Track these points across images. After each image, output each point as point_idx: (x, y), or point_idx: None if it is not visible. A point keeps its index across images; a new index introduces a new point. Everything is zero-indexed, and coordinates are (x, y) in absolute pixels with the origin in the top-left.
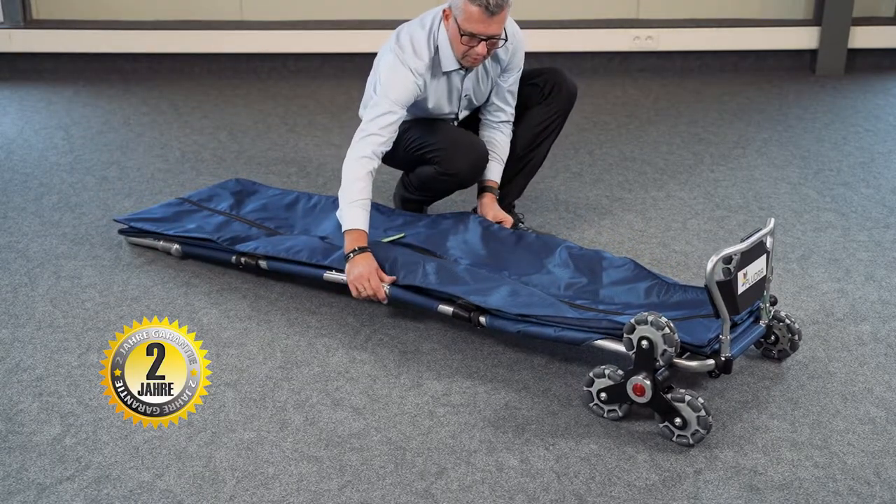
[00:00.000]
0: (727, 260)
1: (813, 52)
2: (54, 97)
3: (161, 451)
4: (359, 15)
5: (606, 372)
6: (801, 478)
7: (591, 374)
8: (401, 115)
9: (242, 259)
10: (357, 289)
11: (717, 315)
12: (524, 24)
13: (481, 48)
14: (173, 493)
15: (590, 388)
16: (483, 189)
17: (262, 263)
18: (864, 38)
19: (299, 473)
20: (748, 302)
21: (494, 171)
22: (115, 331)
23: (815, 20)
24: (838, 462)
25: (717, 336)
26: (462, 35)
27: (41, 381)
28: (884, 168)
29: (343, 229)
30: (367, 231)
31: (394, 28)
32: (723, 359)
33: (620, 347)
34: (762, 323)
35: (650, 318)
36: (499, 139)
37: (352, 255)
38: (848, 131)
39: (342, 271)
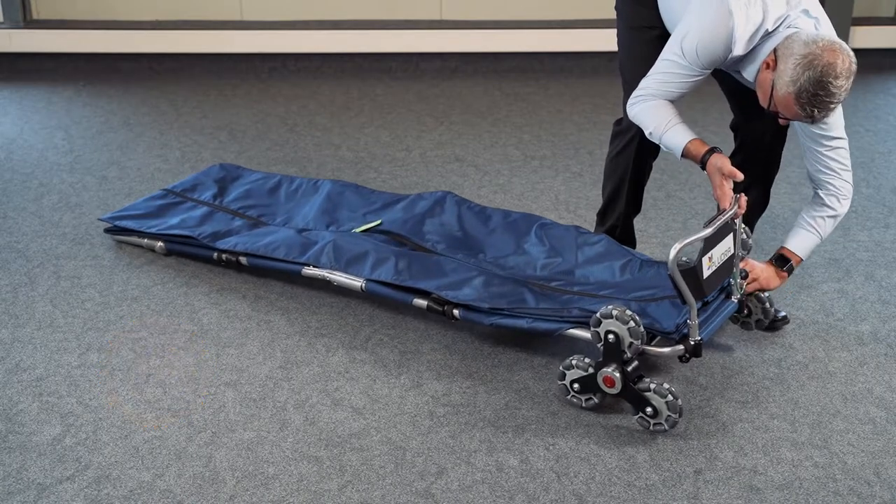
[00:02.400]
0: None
1: None
2: (54, 97)
3: (161, 451)
4: (359, 15)
5: (574, 362)
6: (801, 478)
7: (561, 368)
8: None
9: (224, 256)
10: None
11: (684, 301)
12: (526, 25)
13: (783, 119)
14: (173, 493)
15: (563, 382)
16: (779, 258)
17: (243, 260)
18: (864, 38)
19: (299, 473)
20: (715, 283)
21: (804, 243)
22: (115, 331)
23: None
24: (838, 462)
25: (686, 321)
26: (769, 104)
27: (41, 381)
28: (884, 168)
29: (681, 151)
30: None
31: (392, 28)
32: (692, 343)
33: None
34: (734, 298)
35: (615, 313)
36: (826, 206)
37: (707, 156)
38: (848, 131)
39: (319, 266)
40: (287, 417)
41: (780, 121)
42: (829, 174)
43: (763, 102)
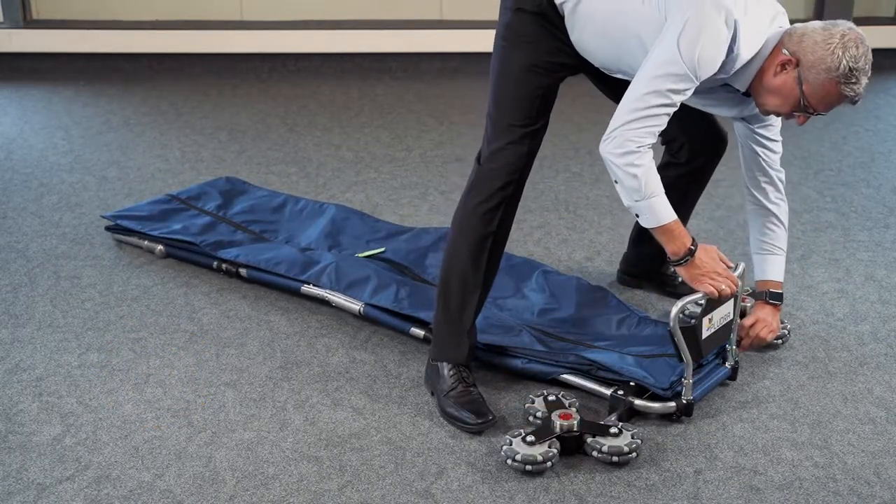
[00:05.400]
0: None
1: None
2: (54, 97)
3: (161, 451)
4: (359, 15)
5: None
6: (801, 478)
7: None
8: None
9: (224, 265)
10: (718, 289)
11: (681, 359)
12: None
13: (803, 118)
14: (173, 493)
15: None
16: (762, 295)
17: (243, 271)
18: None
19: (299, 473)
20: (712, 346)
21: (778, 267)
22: (115, 331)
23: (816, 20)
24: (838, 462)
25: (680, 378)
26: (802, 103)
27: (41, 381)
28: (884, 168)
29: (655, 226)
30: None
31: (392, 28)
32: (684, 401)
33: (586, 383)
34: (727, 364)
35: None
36: (778, 215)
37: (689, 258)
38: (848, 131)
39: (319, 286)
40: (287, 417)
41: (800, 120)
42: (772, 183)
43: (782, 107)
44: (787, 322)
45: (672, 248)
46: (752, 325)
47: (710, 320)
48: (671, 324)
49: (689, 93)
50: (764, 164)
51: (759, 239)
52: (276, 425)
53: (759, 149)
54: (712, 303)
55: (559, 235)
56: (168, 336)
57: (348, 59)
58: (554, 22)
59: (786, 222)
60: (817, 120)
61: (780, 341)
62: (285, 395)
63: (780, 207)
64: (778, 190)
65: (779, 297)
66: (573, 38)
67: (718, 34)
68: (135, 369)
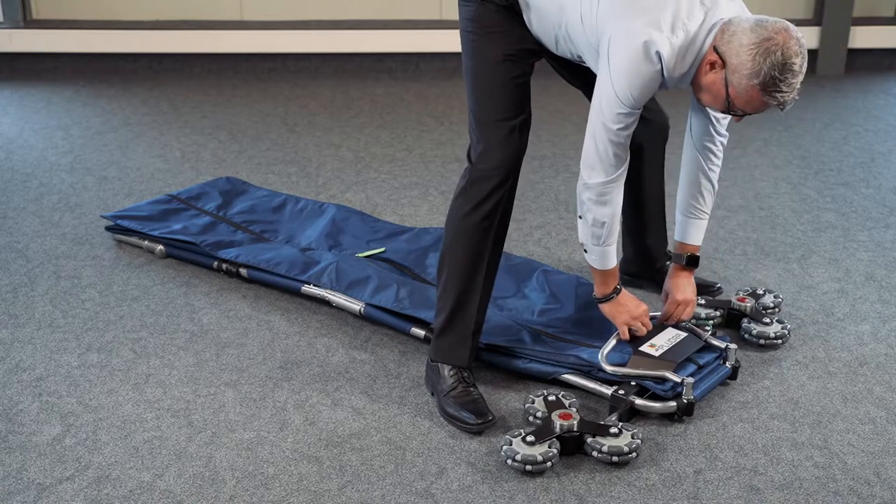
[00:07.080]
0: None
1: (813, 52)
2: (54, 97)
3: (161, 451)
4: (359, 15)
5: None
6: (801, 478)
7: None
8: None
9: (224, 265)
10: (630, 330)
11: (658, 381)
12: None
13: (737, 118)
14: (173, 493)
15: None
16: (680, 259)
17: (243, 271)
18: (864, 38)
19: (299, 473)
20: (683, 351)
21: (701, 231)
22: (115, 331)
23: (816, 20)
24: (838, 462)
25: (681, 380)
26: (728, 104)
27: (41, 381)
28: (884, 168)
29: (599, 268)
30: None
31: (392, 28)
32: (685, 401)
33: (586, 382)
34: (728, 364)
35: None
36: (713, 181)
37: (614, 295)
38: (848, 131)
39: (319, 286)
40: (287, 417)
41: (735, 119)
42: (716, 146)
43: (714, 104)
44: (787, 322)
45: (601, 290)
46: (677, 304)
47: (653, 345)
48: (611, 372)
49: (640, 113)
50: (712, 129)
51: (689, 202)
52: (276, 425)
53: (713, 112)
54: (639, 338)
55: (559, 235)
56: (168, 336)
57: (348, 59)
58: (517, 11)
59: (717, 187)
60: (817, 120)
61: (780, 341)
62: (285, 395)
63: (716, 173)
64: (719, 154)
65: (696, 261)
66: (532, 29)
67: (645, 72)
68: (135, 369)
